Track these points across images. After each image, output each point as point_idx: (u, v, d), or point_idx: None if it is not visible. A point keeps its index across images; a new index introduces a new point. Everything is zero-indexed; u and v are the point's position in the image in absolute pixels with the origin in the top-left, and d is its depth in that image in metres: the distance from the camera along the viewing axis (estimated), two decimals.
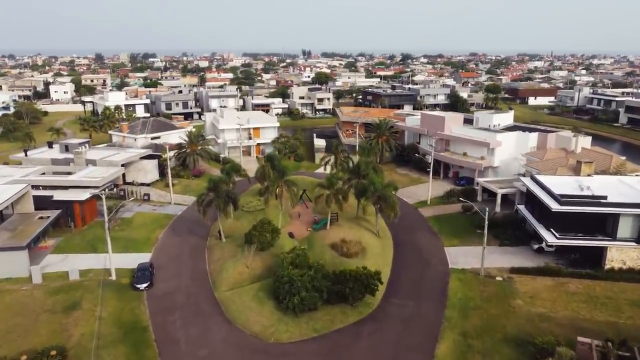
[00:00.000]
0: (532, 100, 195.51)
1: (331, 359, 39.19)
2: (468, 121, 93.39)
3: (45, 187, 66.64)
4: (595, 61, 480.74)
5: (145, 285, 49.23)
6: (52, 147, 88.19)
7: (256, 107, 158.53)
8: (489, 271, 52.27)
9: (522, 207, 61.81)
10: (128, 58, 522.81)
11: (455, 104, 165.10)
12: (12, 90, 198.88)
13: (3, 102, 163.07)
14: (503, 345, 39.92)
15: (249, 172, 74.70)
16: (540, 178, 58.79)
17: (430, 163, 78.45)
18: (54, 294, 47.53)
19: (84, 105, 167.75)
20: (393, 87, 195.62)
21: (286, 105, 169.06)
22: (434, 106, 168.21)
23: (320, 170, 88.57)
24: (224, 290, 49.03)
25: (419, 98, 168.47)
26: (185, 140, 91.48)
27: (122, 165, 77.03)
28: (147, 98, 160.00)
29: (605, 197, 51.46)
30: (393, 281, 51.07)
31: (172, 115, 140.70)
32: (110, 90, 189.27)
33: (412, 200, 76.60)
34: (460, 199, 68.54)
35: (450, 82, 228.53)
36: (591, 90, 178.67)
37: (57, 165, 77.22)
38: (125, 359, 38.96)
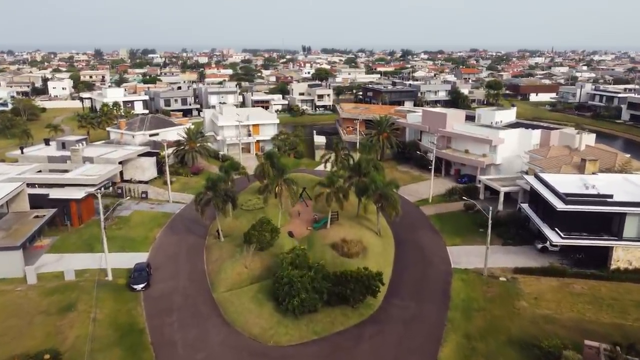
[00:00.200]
0: (533, 97, 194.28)
1: None
2: (470, 118, 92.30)
3: (41, 185, 65.59)
4: (596, 57, 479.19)
5: (142, 286, 48.29)
6: (49, 145, 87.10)
7: (256, 103, 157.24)
8: (492, 271, 51.36)
9: (525, 206, 60.80)
10: (127, 54, 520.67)
11: (456, 100, 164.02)
12: (10, 87, 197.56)
13: (0, 99, 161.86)
14: (508, 349, 39.02)
15: (249, 170, 73.77)
16: (545, 176, 57.83)
17: (431, 160, 77.46)
18: (49, 294, 46.59)
19: (82, 102, 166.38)
20: (393, 84, 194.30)
21: (286, 102, 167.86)
22: (435, 102, 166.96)
23: (321, 167, 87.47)
24: (223, 291, 48.09)
25: (419, 94, 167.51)
26: (183, 137, 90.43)
27: (120, 162, 76.03)
28: (145, 94, 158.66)
29: (611, 196, 50.50)
30: (395, 281, 50.15)
31: (171, 112, 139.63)
32: (109, 86, 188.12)
33: (413, 198, 75.62)
34: (463, 197, 67.51)
35: (451, 78, 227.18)
36: (593, 87, 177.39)
37: (53, 163, 76.16)
38: None
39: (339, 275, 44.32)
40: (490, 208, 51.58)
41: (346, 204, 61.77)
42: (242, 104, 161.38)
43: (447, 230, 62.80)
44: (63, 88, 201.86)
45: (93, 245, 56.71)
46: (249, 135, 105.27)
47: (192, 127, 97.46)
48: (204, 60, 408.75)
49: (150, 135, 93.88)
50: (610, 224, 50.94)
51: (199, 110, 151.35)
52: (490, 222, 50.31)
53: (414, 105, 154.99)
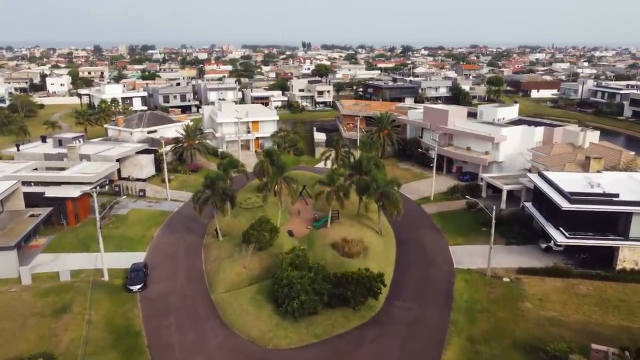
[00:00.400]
0: (534, 93, 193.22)
1: None
2: (472, 115, 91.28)
3: (36, 183, 64.60)
4: (597, 53, 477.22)
5: (138, 286, 47.32)
6: (45, 142, 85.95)
7: (255, 99, 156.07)
8: (496, 271, 50.41)
9: (529, 204, 59.80)
10: (127, 50, 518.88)
11: (457, 96, 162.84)
12: (9, 83, 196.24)
13: None
14: (513, 352, 38.09)
15: (248, 167, 72.64)
16: (549, 175, 56.86)
17: (433, 158, 76.43)
18: (43, 296, 45.63)
19: (81, 98, 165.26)
20: (394, 80, 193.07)
21: (286, 98, 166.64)
22: (436, 99, 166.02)
23: (321, 164, 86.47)
24: (221, 292, 47.13)
25: (420, 91, 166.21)
26: (182, 134, 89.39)
27: (117, 160, 74.93)
28: (144, 91, 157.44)
29: (617, 195, 49.55)
30: (396, 282, 49.20)
31: (170, 109, 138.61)
32: (108, 82, 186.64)
33: (414, 196, 74.61)
34: (467, 196, 66.51)
35: (451, 74, 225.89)
36: (595, 83, 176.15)
37: (50, 161, 75.09)
38: None
39: (340, 276, 43.33)
40: (494, 207, 50.60)
41: (347, 202, 60.82)
42: (242, 100, 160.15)
43: (449, 229, 61.82)
44: (61, 84, 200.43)
45: (89, 244, 55.66)
46: (248, 132, 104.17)
47: (191, 123, 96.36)
48: (203, 56, 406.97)
49: (149, 132, 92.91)
50: (616, 223, 49.96)
51: (198, 107, 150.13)
52: (494, 221, 49.34)
53: (415, 101, 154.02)
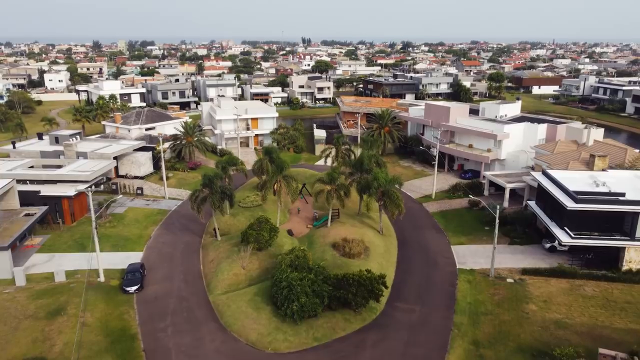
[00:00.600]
0: (536, 89, 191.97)
1: None
2: (473, 111, 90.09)
3: (32, 182, 63.51)
4: (598, 49, 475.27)
5: (135, 288, 46.30)
6: (42, 139, 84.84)
7: (255, 96, 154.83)
8: (499, 272, 49.46)
9: (532, 203, 58.73)
10: (126, 46, 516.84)
11: (458, 93, 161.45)
12: (6, 79, 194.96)
13: None
14: (518, 357, 37.08)
15: (247, 164, 71.70)
16: (553, 173, 55.77)
17: (434, 155, 75.35)
18: (37, 297, 44.57)
19: (79, 95, 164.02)
20: (394, 76, 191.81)
21: (285, 95, 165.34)
22: (437, 95, 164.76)
23: (321, 162, 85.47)
24: (219, 293, 46.14)
25: (421, 87, 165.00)
26: (180, 131, 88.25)
27: (115, 157, 73.85)
28: (143, 87, 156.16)
29: (623, 194, 48.54)
30: (398, 283, 48.23)
31: (168, 105, 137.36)
32: (107, 78, 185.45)
33: (416, 194, 73.60)
34: (470, 195, 65.45)
35: (452, 70, 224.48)
36: (597, 79, 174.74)
37: (46, 158, 74.00)
38: None
39: (341, 278, 42.26)
40: (498, 206, 49.57)
41: (347, 201, 59.84)
42: (241, 97, 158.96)
43: (452, 229, 60.84)
44: (60, 80, 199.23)
45: (85, 244, 54.50)
46: (248, 129, 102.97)
47: (190, 120, 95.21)
48: (202, 52, 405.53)
49: (147, 129, 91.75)
50: (622, 223, 48.92)
51: (197, 103, 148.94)
52: (497, 220, 48.34)
53: (415, 98, 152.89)
